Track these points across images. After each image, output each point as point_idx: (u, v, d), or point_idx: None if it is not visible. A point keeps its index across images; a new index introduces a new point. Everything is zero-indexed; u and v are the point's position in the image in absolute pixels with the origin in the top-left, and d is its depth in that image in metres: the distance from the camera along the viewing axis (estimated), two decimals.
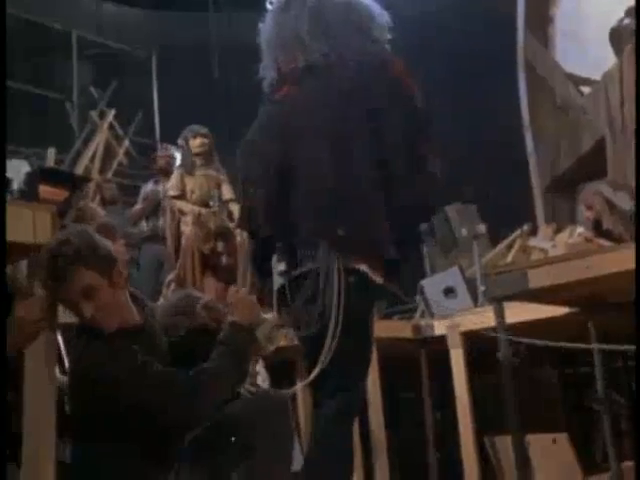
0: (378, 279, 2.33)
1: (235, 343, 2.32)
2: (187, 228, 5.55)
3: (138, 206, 6.89)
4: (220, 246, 5.33)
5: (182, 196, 5.80)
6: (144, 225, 6.77)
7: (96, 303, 2.20)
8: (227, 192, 6.01)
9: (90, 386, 2.17)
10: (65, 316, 2.33)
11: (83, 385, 2.20)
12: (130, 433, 2.17)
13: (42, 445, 2.07)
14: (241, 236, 5.49)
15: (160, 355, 2.35)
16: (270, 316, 2.53)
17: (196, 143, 5.91)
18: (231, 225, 5.58)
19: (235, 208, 5.86)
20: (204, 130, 6.02)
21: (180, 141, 6.01)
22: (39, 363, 2.13)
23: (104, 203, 7.04)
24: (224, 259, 5.32)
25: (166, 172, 6.82)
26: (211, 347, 2.34)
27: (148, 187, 6.98)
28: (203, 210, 5.70)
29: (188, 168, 5.91)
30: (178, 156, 6.43)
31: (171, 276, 5.44)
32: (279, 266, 2.39)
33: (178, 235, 5.69)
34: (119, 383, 2.13)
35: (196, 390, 2.18)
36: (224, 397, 2.27)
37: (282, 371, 4.28)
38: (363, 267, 2.29)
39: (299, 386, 3.46)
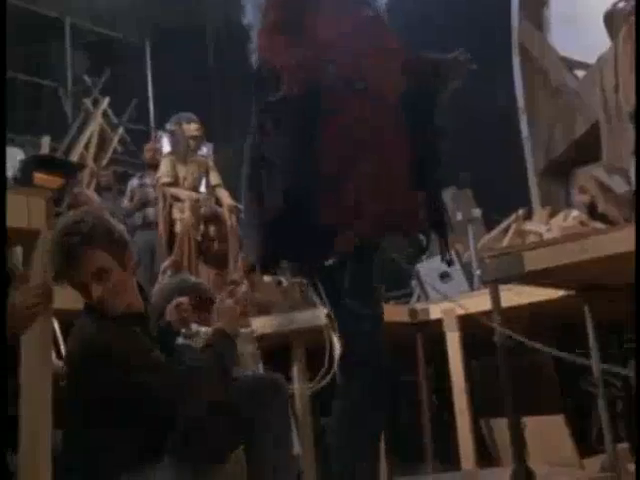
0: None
1: (222, 348, 2.32)
2: (182, 214, 5.54)
3: (126, 202, 6.89)
4: (211, 231, 5.32)
5: (175, 183, 5.79)
6: (137, 215, 6.77)
7: (106, 285, 2.18)
8: (215, 178, 6.03)
9: (94, 364, 2.15)
10: (61, 302, 2.32)
11: (86, 364, 2.18)
12: (124, 415, 2.16)
13: (39, 430, 2.08)
14: (231, 221, 5.49)
15: (153, 343, 2.35)
16: (245, 330, 2.55)
17: (192, 127, 5.91)
18: (220, 210, 5.57)
19: (222, 193, 5.87)
20: (195, 117, 6.04)
21: (172, 126, 5.98)
22: (35, 348, 2.14)
23: (99, 190, 7.06)
24: (215, 245, 5.31)
25: (152, 165, 6.87)
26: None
27: (134, 183, 6.99)
28: (200, 196, 5.69)
29: (181, 153, 5.89)
30: (166, 143, 6.39)
31: (166, 263, 5.43)
32: None
33: (170, 222, 5.67)
34: (125, 362, 2.12)
35: (188, 384, 2.19)
36: (208, 396, 2.26)
37: (279, 357, 4.29)
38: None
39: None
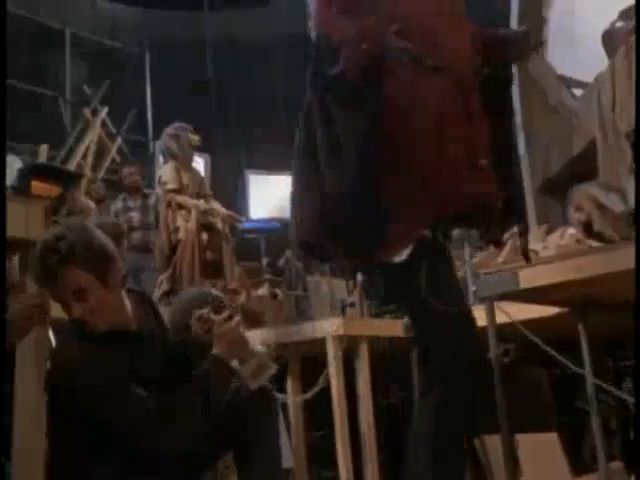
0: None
1: (212, 382, 2.20)
2: (186, 223, 5.46)
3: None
4: (205, 240, 5.29)
5: (180, 190, 5.65)
6: None
7: (87, 304, 2.13)
8: (207, 188, 5.98)
9: (67, 387, 2.11)
10: (59, 311, 2.31)
11: (60, 384, 2.15)
12: (98, 438, 2.13)
13: (33, 438, 2.07)
14: (225, 231, 5.47)
15: (152, 358, 2.31)
16: (260, 349, 2.46)
17: (196, 138, 5.84)
18: (214, 220, 5.54)
19: (215, 204, 5.83)
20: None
21: (175, 131, 5.85)
22: (31, 357, 2.13)
23: (94, 202, 7.06)
24: (209, 254, 5.28)
25: (132, 190, 6.88)
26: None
27: (118, 205, 6.98)
28: (207, 205, 5.63)
29: (183, 160, 5.79)
30: (163, 147, 6.27)
31: (163, 276, 5.39)
32: None
33: (173, 229, 5.58)
34: (94, 391, 2.08)
35: (160, 423, 2.11)
36: (191, 431, 2.16)
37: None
38: None
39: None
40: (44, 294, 2.12)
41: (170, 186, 5.62)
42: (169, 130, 5.88)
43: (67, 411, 2.13)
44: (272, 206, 8.71)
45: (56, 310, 2.30)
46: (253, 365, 2.35)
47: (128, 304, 2.30)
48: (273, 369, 2.40)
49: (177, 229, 5.46)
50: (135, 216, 6.79)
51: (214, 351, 2.25)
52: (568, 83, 7.52)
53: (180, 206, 5.55)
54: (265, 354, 2.44)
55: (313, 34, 2.14)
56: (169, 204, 5.57)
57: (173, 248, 5.41)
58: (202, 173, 6.25)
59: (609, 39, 6.19)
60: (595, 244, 4.40)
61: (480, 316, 3.60)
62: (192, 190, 5.71)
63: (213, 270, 5.35)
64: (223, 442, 2.36)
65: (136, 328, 2.28)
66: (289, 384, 4.41)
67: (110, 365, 2.12)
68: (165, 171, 5.74)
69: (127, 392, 2.10)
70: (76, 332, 2.18)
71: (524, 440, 3.85)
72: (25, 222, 2.17)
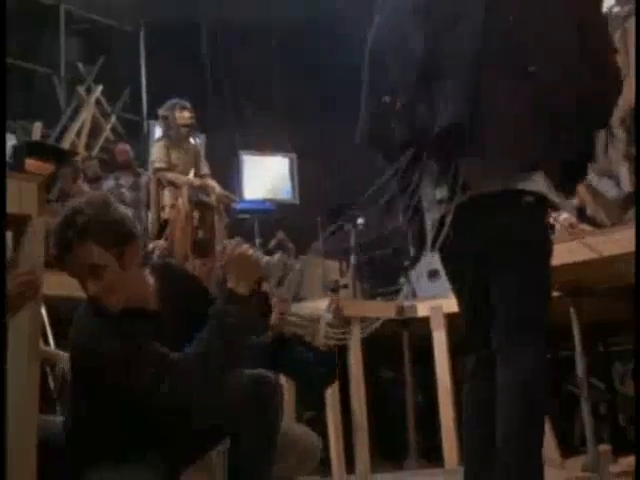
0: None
1: (229, 318, 2.07)
2: (176, 200, 5.48)
3: None
4: (198, 219, 5.31)
5: (169, 168, 5.72)
6: None
7: (102, 282, 2.06)
8: (204, 167, 6.01)
9: (85, 362, 2.10)
10: (50, 288, 2.31)
11: (80, 360, 2.14)
12: (119, 416, 2.11)
13: (26, 416, 2.07)
14: (218, 209, 5.49)
15: (171, 337, 2.15)
16: (276, 259, 2.34)
17: (186, 115, 5.86)
18: (207, 200, 5.57)
19: (211, 183, 5.86)
20: (188, 104, 6.01)
21: (164, 112, 5.91)
22: (23, 334, 2.12)
23: (88, 181, 7.04)
24: (200, 233, 5.30)
25: (124, 167, 6.90)
26: None
27: (110, 184, 7.00)
28: (206, 182, 5.66)
29: (174, 139, 5.84)
30: (158, 129, 6.32)
31: (153, 244, 5.36)
32: (438, 192, 2.05)
33: (162, 207, 5.60)
34: (112, 366, 2.03)
35: (185, 375, 2.02)
36: (215, 381, 2.07)
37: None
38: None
39: None
40: (35, 271, 2.11)
41: (157, 165, 5.75)
42: (160, 111, 5.98)
43: (89, 387, 2.13)
44: (266, 187, 8.72)
45: (49, 288, 2.29)
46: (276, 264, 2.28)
47: (150, 282, 2.22)
48: (295, 273, 2.30)
49: (164, 207, 5.53)
50: (126, 194, 6.80)
51: (228, 285, 2.13)
52: None
53: (170, 183, 5.62)
54: (281, 262, 2.34)
55: None
56: (158, 182, 5.68)
57: (161, 226, 5.46)
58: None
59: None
60: (588, 229, 4.41)
61: None
62: (184, 169, 5.75)
63: (203, 249, 5.36)
64: (220, 427, 2.31)
65: (156, 307, 2.19)
66: None
67: (124, 340, 2.05)
68: (154, 150, 5.88)
69: (151, 350, 2.04)
70: (92, 309, 2.14)
71: None
72: (19, 198, 2.15)
